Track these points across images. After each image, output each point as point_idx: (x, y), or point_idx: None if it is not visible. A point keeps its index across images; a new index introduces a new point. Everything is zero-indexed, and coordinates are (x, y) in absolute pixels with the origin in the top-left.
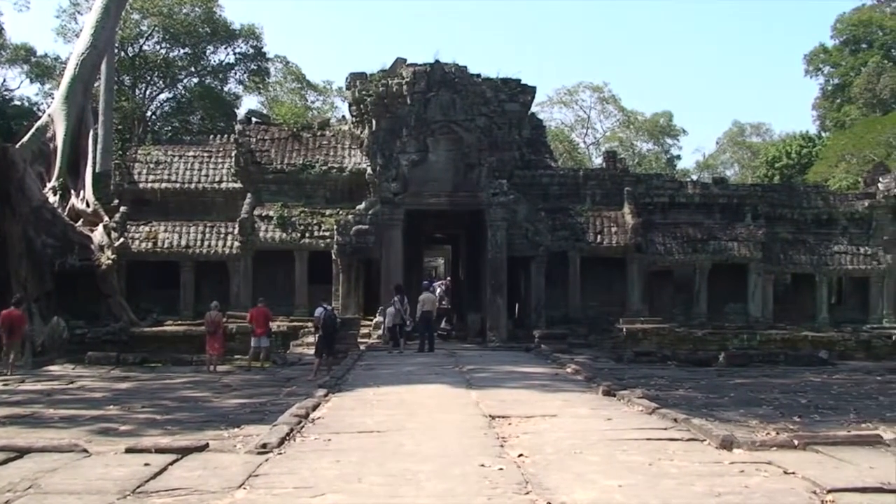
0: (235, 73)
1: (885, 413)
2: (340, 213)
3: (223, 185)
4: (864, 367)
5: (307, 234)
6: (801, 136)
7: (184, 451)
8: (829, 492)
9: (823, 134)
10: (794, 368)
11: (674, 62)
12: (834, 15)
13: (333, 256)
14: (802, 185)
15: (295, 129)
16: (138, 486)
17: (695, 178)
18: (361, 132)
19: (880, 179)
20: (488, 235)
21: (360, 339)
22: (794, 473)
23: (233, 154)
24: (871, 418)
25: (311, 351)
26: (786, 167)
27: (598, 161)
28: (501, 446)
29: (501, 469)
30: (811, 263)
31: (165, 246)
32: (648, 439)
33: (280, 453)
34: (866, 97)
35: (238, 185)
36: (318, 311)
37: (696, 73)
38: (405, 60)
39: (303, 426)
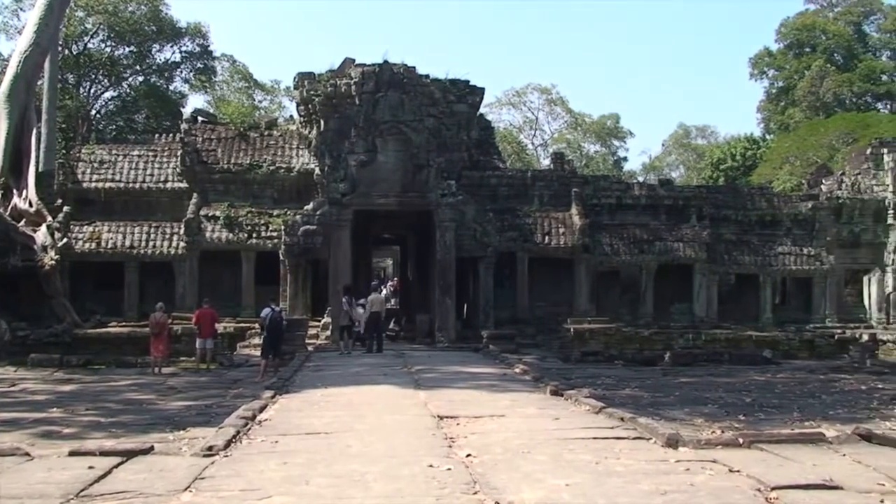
0: (181, 72)
1: (828, 411)
2: (288, 213)
3: (168, 185)
4: (807, 367)
5: (254, 235)
6: (745, 139)
7: (129, 454)
8: (774, 489)
9: (768, 136)
10: (738, 367)
11: (621, 65)
12: (778, 19)
13: (281, 257)
14: (747, 186)
15: (242, 129)
16: (82, 490)
17: (641, 179)
18: (309, 132)
19: (823, 181)
20: (437, 236)
21: (307, 341)
22: (738, 471)
23: (178, 153)
24: (814, 416)
25: (258, 352)
26: (730, 169)
27: (545, 162)
28: (450, 446)
29: (450, 469)
30: (755, 264)
31: (109, 246)
32: (595, 438)
33: (226, 455)
34: (810, 100)
35: (184, 184)
36: (265, 311)
37: (643, 75)
38: (353, 61)
39: (249, 428)
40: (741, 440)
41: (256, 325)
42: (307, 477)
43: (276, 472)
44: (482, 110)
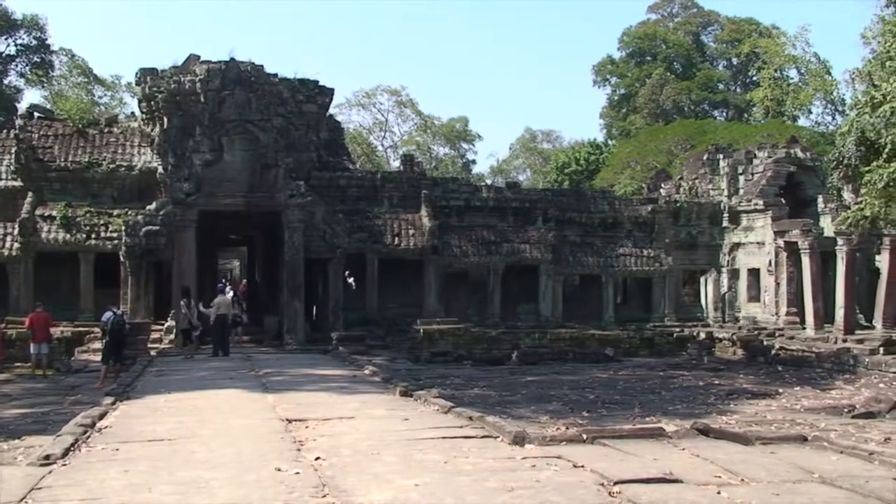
0: (16, 66)
1: (667, 407)
2: (129, 213)
3: (2, 184)
4: (647, 364)
5: (93, 236)
6: (589, 144)
7: None
8: (616, 483)
9: (610, 142)
10: (582, 365)
11: (469, 68)
12: (621, 28)
13: (122, 259)
14: (590, 190)
15: (80, 126)
16: None
17: (489, 182)
18: (152, 130)
19: (662, 186)
20: (285, 237)
21: (150, 345)
22: (583, 467)
23: (13, 150)
24: (654, 412)
25: (98, 358)
26: (575, 173)
27: (395, 164)
28: (298, 450)
29: (298, 473)
30: (598, 265)
31: None
32: (444, 438)
33: (65, 465)
34: (650, 107)
35: (18, 183)
36: (107, 315)
37: (491, 79)
38: (199, 57)
39: (89, 436)
40: (585, 436)
41: (97, 330)
42: (150, 484)
43: (117, 480)
44: (332, 111)
